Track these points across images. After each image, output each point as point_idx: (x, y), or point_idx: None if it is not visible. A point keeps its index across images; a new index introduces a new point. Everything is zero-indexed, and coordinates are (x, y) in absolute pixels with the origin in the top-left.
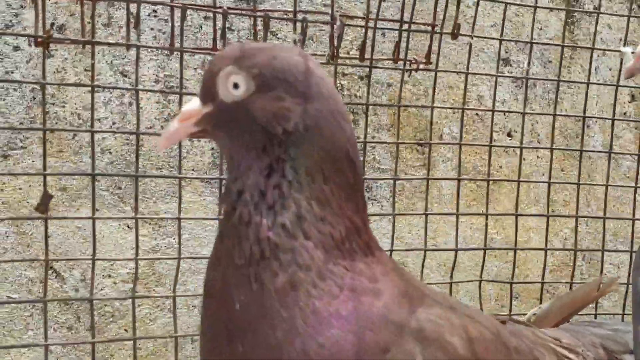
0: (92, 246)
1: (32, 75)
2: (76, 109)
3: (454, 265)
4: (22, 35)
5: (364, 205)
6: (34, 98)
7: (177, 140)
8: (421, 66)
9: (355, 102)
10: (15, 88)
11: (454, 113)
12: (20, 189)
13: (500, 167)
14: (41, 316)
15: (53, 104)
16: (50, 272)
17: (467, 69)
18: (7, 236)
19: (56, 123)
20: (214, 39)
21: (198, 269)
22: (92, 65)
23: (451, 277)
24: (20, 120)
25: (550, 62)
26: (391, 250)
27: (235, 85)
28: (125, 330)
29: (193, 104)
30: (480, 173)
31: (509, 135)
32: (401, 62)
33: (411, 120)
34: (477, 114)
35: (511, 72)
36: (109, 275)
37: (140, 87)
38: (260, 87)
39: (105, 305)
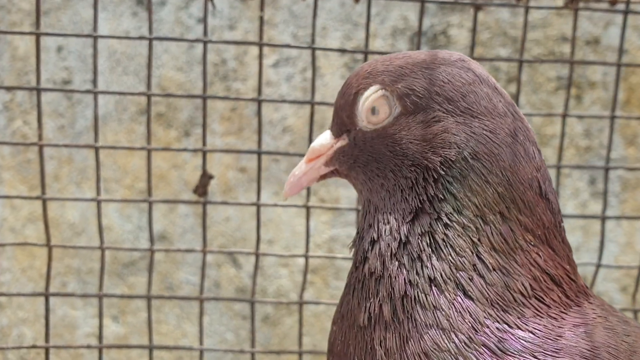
0: (269, 231)
1: (214, 49)
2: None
3: None
4: None
5: (566, 250)
6: (217, 73)
7: (304, 186)
8: None
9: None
10: (199, 63)
11: None
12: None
13: None
14: (217, 302)
15: (235, 79)
16: (228, 258)
17: None
18: (187, 217)
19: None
20: None
21: None
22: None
23: None
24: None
25: None
26: (598, 265)
27: (373, 110)
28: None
29: (322, 139)
30: None
31: None
32: None
33: None
34: None
35: None
36: (286, 264)
37: (323, 58)
38: (408, 108)
39: (281, 295)
